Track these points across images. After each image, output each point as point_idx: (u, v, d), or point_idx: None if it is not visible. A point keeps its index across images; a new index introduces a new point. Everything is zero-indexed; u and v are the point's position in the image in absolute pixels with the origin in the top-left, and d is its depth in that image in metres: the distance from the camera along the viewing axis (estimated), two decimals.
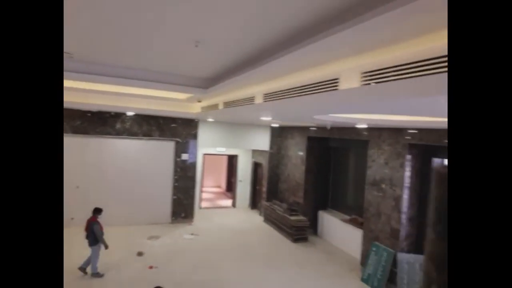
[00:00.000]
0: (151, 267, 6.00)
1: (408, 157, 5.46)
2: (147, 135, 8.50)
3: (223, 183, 13.71)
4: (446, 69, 1.98)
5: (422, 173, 5.57)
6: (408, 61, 2.21)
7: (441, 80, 1.94)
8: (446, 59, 1.97)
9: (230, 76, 3.93)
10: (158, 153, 8.69)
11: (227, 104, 5.56)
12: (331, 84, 2.93)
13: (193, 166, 8.99)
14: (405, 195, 5.51)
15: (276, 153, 9.97)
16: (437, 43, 1.98)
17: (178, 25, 2.47)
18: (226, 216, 9.94)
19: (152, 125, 8.51)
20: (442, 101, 2.24)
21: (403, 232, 5.55)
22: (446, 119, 3.53)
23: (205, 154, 10.56)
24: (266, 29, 2.40)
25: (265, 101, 4.20)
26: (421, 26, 1.85)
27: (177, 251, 6.86)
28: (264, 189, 10.01)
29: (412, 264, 5.28)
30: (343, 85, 2.82)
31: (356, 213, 7.42)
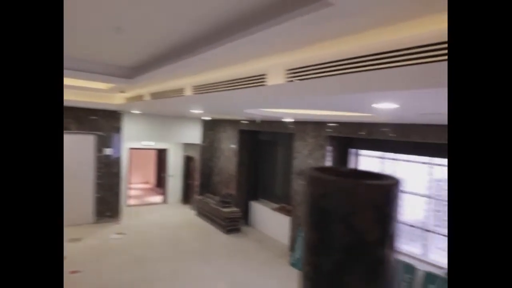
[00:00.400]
0: (74, 272, 5.51)
1: (329, 148, 5.96)
2: (63, 128, 7.67)
3: (153, 179, 13.14)
4: (364, 68, 2.21)
5: (341, 162, 6.12)
6: (329, 60, 2.40)
7: (359, 79, 2.16)
8: (364, 59, 2.20)
9: (157, 66, 3.77)
10: (77, 148, 7.92)
11: (154, 96, 5.33)
12: (259, 79, 3.03)
13: (117, 161, 8.42)
14: None
15: (209, 146, 9.92)
16: (357, 43, 2.20)
17: (95, 9, 2.28)
18: (156, 213, 9.59)
19: (68, 117, 7.70)
20: (358, 97, 2.50)
21: None
22: (359, 114, 3.94)
23: (131, 149, 9.97)
24: (193, 20, 2.37)
25: (195, 94, 4.15)
26: (340, 29, 2.04)
27: (103, 253, 6.41)
28: (197, 183, 9.90)
29: None
30: (270, 81, 2.94)
31: (284, 202, 7.84)
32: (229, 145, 9.15)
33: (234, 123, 8.87)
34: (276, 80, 2.85)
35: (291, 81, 2.68)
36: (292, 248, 6.62)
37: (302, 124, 6.52)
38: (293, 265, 6.23)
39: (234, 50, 2.59)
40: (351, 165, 6.05)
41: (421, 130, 4.49)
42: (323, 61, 2.46)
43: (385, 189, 1.12)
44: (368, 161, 6.00)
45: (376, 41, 2.11)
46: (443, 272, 4.52)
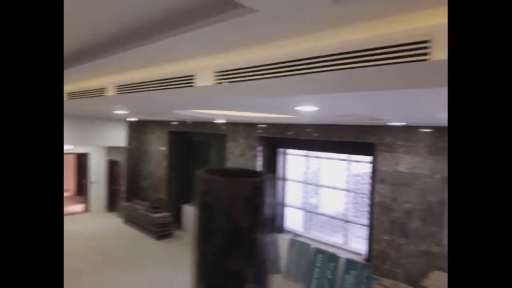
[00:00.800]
0: None
1: (260, 148, 6.16)
2: None
3: (72, 186, 11.93)
4: (287, 73, 2.34)
5: (271, 161, 6.37)
6: (257, 64, 2.49)
7: (283, 83, 2.28)
8: (287, 64, 2.33)
9: (74, 63, 3.45)
10: None
11: (72, 95, 4.86)
12: (187, 80, 3.00)
13: None
14: None
15: (135, 149, 9.38)
16: (282, 49, 2.32)
17: None
18: (78, 223, 8.73)
19: None
20: (282, 100, 2.64)
21: None
22: (285, 116, 4.16)
23: None
24: (115, 16, 2.24)
25: (118, 94, 3.91)
26: (266, 35, 2.13)
27: None
28: (123, 188, 9.28)
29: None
30: (199, 83, 2.93)
31: None
32: (158, 147, 8.79)
33: (163, 124, 8.55)
34: (205, 81, 2.86)
35: (220, 83, 2.71)
36: None
37: (234, 125, 6.61)
38: None
39: (159, 50, 2.52)
40: (280, 163, 6.34)
41: (340, 130, 4.93)
42: (251, 65, 2.55)
43: (254, 185, 1.39)
44: (295, 159, 6.36)
45: (298, 48, 2.26)
46: (361, 258, 5.03)
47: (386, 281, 1.22)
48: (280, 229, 6.33)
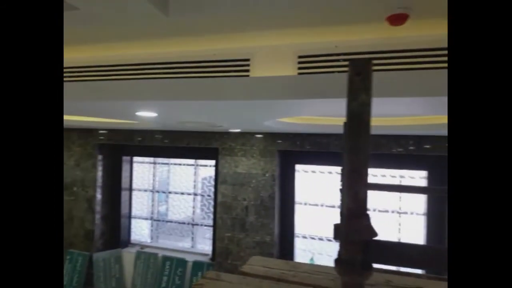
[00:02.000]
0: None
1: (100, 156, 5.60)
2: None
3: None
4: (121, 76, 2.25)
5: (114, 170, 5.89)
6: (89, 64, 2.30)
7: (118, 87, 2.19)
8: (121, 68, 2.25)
9: None
10: None
11: None
12: None
13: None
14: (99, 195, 5.61)
15: None
16: (118, 52, 2.21)
17: None
18: None
19: None
20: (118, 105, 2.52)
21: (98, 231, 5.63)
22: (127, 121, 3.97)
23: None
24: None
25: None
26: (94, 35, 2.00)
27: None
28: None
29: (108, 260, 5.48)
30: None
31: None
32: None
33: None
34: None
35: None
36: None
37: (66, 131, 5.75)
38: None
39: None
40: (125, 173, 5.95)
41: (188, 136, 5.08)
42: (81, 65, 2.35)
43: None
44: (142, 167, 6.10)
45: (132, 53, 2.24)
46: (207, 258, 5.30)
47: (209, 273, 1.36)
48: (125, 243, 5.92)
